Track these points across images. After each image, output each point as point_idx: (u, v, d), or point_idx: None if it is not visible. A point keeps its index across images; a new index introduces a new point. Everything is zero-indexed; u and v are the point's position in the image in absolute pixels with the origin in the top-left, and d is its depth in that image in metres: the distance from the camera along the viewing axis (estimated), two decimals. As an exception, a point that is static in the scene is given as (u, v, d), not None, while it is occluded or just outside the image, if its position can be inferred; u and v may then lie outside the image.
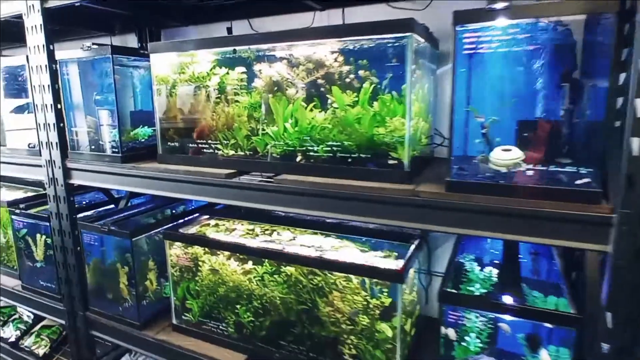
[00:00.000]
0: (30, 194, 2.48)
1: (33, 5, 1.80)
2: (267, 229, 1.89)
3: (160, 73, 1.68)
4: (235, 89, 1.60)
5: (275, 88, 1.52)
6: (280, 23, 2.05)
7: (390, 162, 1.33)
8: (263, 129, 1.54)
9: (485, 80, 1.17)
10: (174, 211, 2.21)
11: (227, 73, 1.60)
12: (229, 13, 2.09)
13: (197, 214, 2.08)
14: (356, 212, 1.30)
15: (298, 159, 1.48)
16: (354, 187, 1.31)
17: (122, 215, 2.10)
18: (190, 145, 1.67)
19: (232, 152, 1.61)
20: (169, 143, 1.72)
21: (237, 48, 1.55)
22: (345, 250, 1.65)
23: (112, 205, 2.31)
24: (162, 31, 2.32)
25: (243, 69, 1.58)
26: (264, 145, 1.55)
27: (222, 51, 1.58)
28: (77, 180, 1.90)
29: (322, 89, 1.45)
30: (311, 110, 1.46)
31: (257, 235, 1.85)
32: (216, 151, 1.63)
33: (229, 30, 2.11)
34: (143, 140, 1.90)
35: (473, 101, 1.20)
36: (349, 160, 1.39)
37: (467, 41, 1.10)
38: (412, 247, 1.58)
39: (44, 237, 2.18)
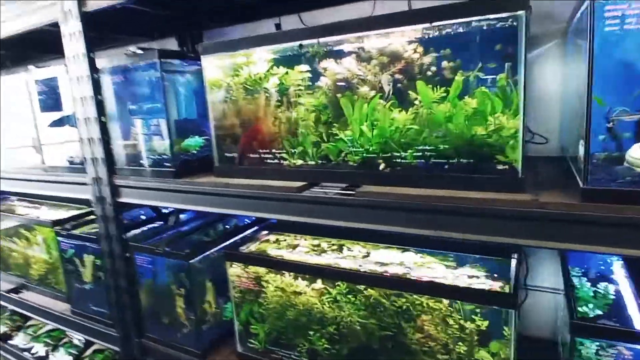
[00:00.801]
0: (72, 211, 2.37)
1: (70, 10, 1.66)
2: (333, 244, 1.71)
3: (214, 76, 1.51)
4: (298, 89, 1.42)
5: (348, 86, 1.33)
6: (334, 15, 1.85)
7: (500, 167, 1.12)
8: (335, 134, 1.36)
9: (622, 64, 0.94)
10: (227, 226, 2.05)
11: (287, 73, 1.42)
12: (277, 8, 1.91)
13: (253, 229, 1.92)
14: (465, 229, 1.10)
15: (381, 167, 1.29)
16: (459, 199, 1.10)
17: (172, 232, 1.96)
18: (252, 155, 1.50)
19: (299, 162, 1.43)
20: (226, 154, 1.55)
21: (303, 43, 1.37)
22: (432, 267, 1.45)
23: (161, 222, 2.17)
24: (203, 33, 2.16)
25: (307, 67, 1.40)
26: (337, 152, 1.37)
27: (283, 48, 1.39)
28: (126, 198, 1.76)
29: (399, 85, 1.25)
30: (390, 109, 1.26)
31: (324, 251, 1.67)
32: (281, 161, 1.45)
33: (278, 26, 1.93)
34: (194, 152, 1.73)
35: (601, 90, 0.98)
36: (446, 167, 1.19)
37: (609, 15, 0.89)
38: (514, 263, 1.37)
39: (92, 257, 2.06)
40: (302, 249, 1.69)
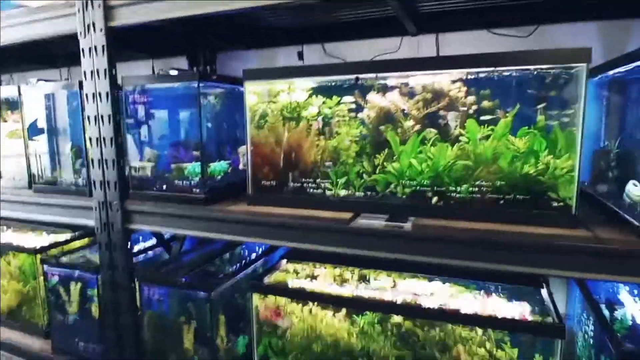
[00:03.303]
0: (52, 236, 2.15)
1: (94, 24, 1.56)
2: (353, 273, 1.70)
3: (255, 102, 1.48)
4: (343, 119, 1.43)
5: (395, 120, 1.37)
6: (357, 48, 1.91)
7: (555, 204, 1.20)
8: (383, 166, 1.38)
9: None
10: (232, 256, 1.97)
11: (337, 103, 1.44)
12: (299, 37, 1.93)
13: (262, 259, 1.87)
14: (527, 262, 1.15)
15: (433, 200, 1.32)
16: (518, 234, 1.16)
17: (179, 261, 1.84)
18: (291, 184, 1.48)
19: (344, 192, 1.43)
20: (262, 182, 1.51)
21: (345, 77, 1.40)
22: (464, 298, 1.49)
23: (159, 248, 2.04)
24: (217, 55, 2.11)
25: (351, 98, 1.43)
26: (384, 184, 1.38)
27: (334, 79, 1.41)
28: (139, 225, 1.64)
29: (451, 122, 1.32)
30: (433, 145, 1.31)
31: (347, 281, 1.65)
32: (325, 191, 1.44)
33: (300, 54, 1.95)
34: (218, 177, 1.67)
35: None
36: (502, 202, 1.25)
37: None
38: (545, 292, 1.44)
39: (79, 285, 1.87)
40: (325, 279, 1.66)
